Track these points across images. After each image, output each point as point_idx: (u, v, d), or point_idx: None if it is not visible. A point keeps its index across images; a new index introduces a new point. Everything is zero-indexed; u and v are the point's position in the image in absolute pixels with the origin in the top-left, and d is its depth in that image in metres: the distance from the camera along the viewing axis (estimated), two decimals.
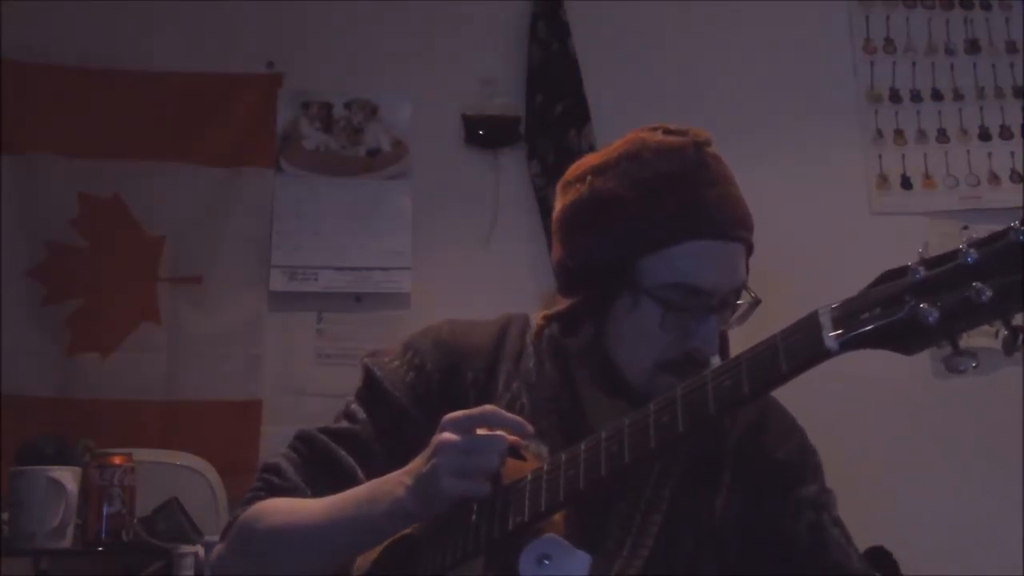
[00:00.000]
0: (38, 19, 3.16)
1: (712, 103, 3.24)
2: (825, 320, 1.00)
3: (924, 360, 3.16)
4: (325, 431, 1.34)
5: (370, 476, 1.27)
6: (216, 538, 1.36)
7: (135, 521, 2.26)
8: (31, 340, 3.04)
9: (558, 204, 1.35)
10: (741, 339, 1.23)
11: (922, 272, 0.94)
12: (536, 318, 1.37)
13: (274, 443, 1.33)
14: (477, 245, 3.19)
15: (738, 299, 1.30)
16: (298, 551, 1.22)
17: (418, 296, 3.15)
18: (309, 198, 3.19)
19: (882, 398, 3.07)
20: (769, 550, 1.31)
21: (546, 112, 3.20)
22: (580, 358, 1.34)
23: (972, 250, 0.90)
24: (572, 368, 1.34)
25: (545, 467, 1.14)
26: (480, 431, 1.13)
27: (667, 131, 1.30)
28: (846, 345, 0.98)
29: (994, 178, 3.32)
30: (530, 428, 1.16)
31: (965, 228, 3.28)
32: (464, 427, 1.13)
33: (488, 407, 1.16)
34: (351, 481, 1.28)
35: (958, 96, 3.37)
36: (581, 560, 1.09)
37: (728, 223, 1.27)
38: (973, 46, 3.40)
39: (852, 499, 1.36)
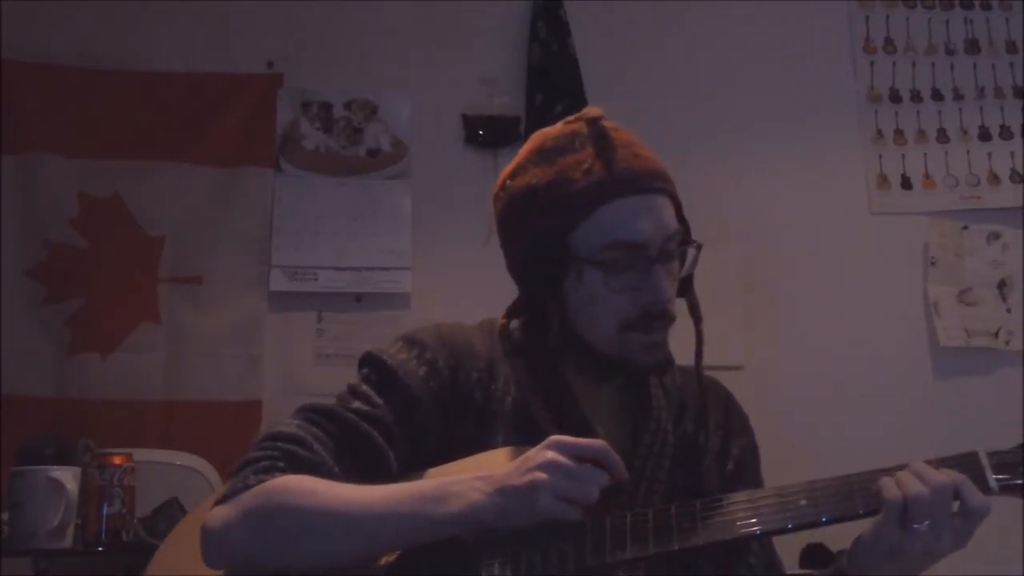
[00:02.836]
0: (38, 19, 3.16)
1: (712, 103, 3.24)
2: (985, 463, 1.16)
3: (924, 360, 3.19)
4: (345, 409, 1.29)
5: (396, 460, 1.27)
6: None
7: (135, 521, 2.26)
8: (31, 340, 3.04)
9: (492, 221, 1.41)
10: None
11: None
12: (500, 321, 1.40)
13: None
14: (477, 245, 3.18)
15: (678, 247, 1.34)
16: (346, 533, 1.15)
17: (418, 296, 3.16)
18: (309, 198, 3.19)
19: (883, 398, 3.07)
20: None
21: (546, 112, 3.19)
22: (560, 350, 1.36)
23: None
24: (558, 364, 1.36)
25: (652, 512, 1.16)
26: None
27: (563, 122, 1.39)
28: (1005, 490, 1.14)
29: (994, 178, 3.32)
30: (626, 475, 1.18)
31: (965, 228, 3.28)
32: (573, 453, 1.13)
33: (599, 443, 1.17)
34: (383, 464, 1.26)
35: (958, 96, 3.37)
36: None
37: (640, 176, 1.31)
38: (973, 46, 3.40)
39: None
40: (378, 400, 1.29)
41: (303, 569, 1.18)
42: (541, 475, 1.11)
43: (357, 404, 1.29)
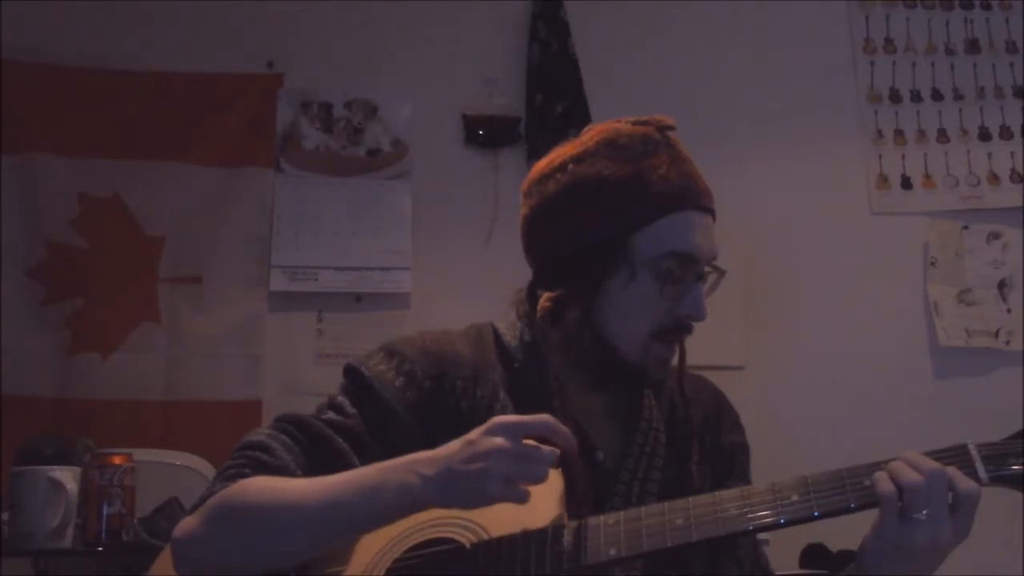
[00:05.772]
0: (38, 19, 3.17)
1: (712, 103, 3.24)
2: (975, 455, 1.14)
3: (924, 360, 3.19)
4: (316, 418, 1.32)
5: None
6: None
7: (135, 521, 2.26)
8: (31, 340, 3.04)
9: (532, 200, 1.39)
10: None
11: None
12: (541, 303, 1.37)
13: None
14: (477, 245, 3.18)
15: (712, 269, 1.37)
16: (288, 530, 1.18)
17: (418, 296, 3.16)
18: (309, 198, 3.19)
19: (882, 398, 3.07)
20: None
21: (546, 112, 3.19)
22: (563, 348, 1.36)
23: None
24: (555, 365, 1.35)
25: (645, 510, 1.16)
26: (528, 441, 1.14)
27: (631, 122, 1.38)
28: (995, 480, 1.13)
29: (994, 178, 3.32)
30: (575, 443, 1.18)
31: (965, 228, 3.28)
32: (518, 433, 1.13)
33: (545, 417, 1.17)
34: (347, 469, 1.26)
35: (958, 96, 3.37)
36: None
37: (704, 195, 1.36)
38: (973, 46, 3.40)
39: None
40: (352, 411, 1.32)
41: (263, 569, 1.19)
42: (488, 462, 1.11)
43: (330, 415, 1.32)
